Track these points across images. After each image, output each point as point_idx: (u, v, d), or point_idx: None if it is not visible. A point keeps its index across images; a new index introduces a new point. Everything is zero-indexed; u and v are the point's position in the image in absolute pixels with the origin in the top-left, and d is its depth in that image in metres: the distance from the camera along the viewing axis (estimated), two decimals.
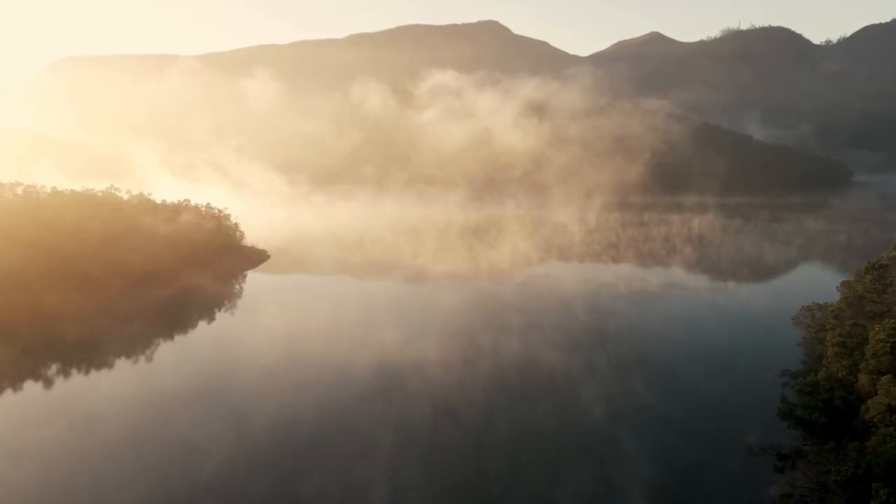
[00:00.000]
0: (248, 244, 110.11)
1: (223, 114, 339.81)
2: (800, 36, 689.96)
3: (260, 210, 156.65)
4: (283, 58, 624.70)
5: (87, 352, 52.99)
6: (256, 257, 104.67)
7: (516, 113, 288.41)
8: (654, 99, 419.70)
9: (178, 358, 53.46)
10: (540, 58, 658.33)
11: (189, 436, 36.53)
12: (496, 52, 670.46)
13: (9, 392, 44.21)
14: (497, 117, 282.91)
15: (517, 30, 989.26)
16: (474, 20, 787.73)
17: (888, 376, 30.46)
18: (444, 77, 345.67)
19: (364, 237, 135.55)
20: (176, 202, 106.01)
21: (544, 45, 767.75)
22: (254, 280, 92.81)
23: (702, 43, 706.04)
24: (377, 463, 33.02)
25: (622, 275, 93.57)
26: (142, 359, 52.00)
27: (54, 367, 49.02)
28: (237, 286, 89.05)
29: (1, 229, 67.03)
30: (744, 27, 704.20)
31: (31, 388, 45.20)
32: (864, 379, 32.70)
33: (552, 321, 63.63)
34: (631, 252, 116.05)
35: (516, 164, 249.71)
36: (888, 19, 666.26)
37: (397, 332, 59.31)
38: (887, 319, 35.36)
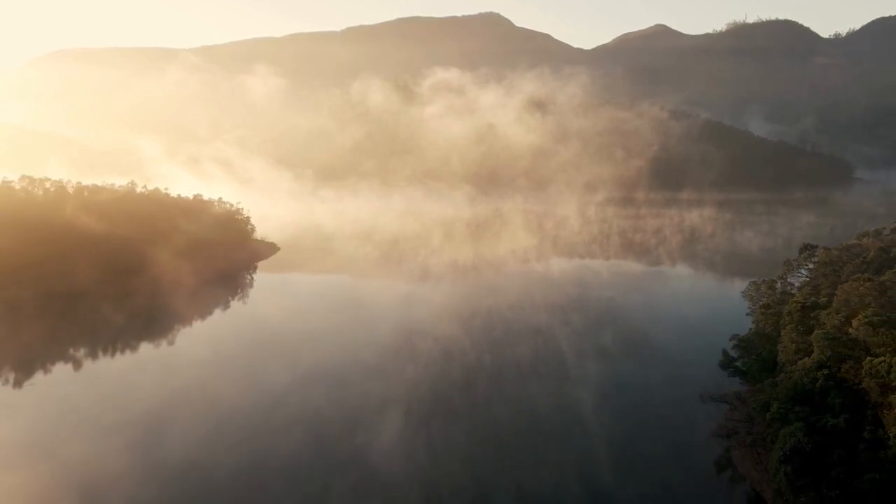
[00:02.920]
0: (258, 237, 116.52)
1: (222, 109, 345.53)
2: (807, 29, 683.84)
3: (264, 205, 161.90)
4: (281, 52, 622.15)
5: (191, 301, 73.40)
6: (268, 250, 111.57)
7: (519, 109, 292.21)
8: (658, 94, 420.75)
9: (235, 317, 67.60)
10: (542, 52, 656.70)
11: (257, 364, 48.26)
12: (498, 46, 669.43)
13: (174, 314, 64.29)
14: (500, 114, 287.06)
15: (519, 22, 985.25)
16: (474, 12, 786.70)
17: (790, 325, 36.44)
18: (446, 75, 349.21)
19: (376, 232, 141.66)
20: (190, 197, 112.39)
21: (547, 37, 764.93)
22: (270, 269, 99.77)
23: (707, 36, 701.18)
24: (402, 381, 43.48)
25: (613, 260, 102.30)
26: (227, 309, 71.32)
27: (191, 301, 71.65)
28: (252, 275, 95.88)
29: (82, 218, 79.99)
30: (750, 20, 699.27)
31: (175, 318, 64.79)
32: (783, 333, 38.65)
33: (554, 298, 71.78)
34: (624, 243, 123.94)
35: (519, 160, 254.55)
36: None
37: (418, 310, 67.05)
38: (805, 287, 41.06)
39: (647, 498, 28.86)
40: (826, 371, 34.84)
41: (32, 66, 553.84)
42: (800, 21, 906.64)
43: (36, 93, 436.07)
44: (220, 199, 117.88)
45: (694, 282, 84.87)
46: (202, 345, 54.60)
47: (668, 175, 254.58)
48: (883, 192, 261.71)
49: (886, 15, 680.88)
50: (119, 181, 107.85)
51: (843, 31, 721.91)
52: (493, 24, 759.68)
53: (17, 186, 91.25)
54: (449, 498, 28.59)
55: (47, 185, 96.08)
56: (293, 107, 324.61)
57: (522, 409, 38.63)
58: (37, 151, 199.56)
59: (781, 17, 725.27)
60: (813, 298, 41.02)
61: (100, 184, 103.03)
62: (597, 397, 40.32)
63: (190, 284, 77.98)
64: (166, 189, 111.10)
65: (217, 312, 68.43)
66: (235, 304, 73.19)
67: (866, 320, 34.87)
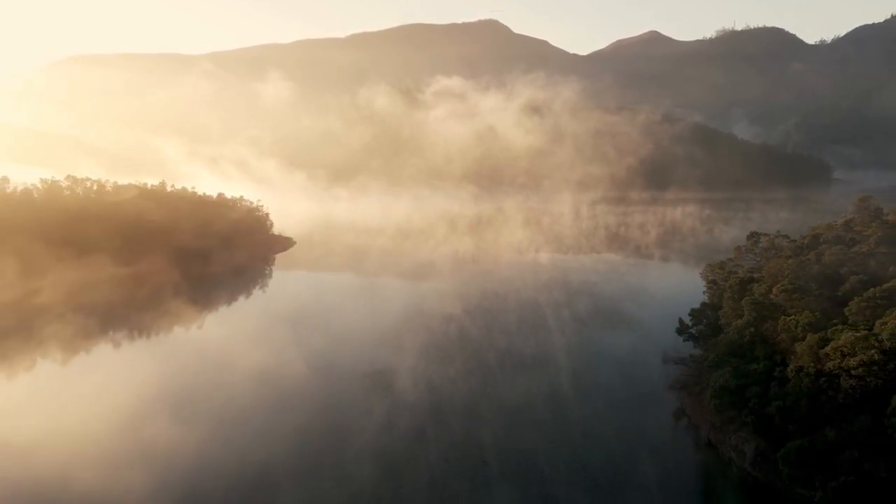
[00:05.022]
0: (276, 232, 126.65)
1: (232, 112, 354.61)
2: (793, 36, 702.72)
3: (280, 203, 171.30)
4: (288, 57, 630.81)
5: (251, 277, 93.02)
6: (286, 243, 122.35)
7: (517, 113, 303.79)
8: (652, 98, 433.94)
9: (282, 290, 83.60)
10: (540, 57, 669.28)
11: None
12: (497, 51, 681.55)
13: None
14: (499, 117, 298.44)
15: (517, 29, 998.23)
16: (474, 19, 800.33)
17: (729, 295, 47.51)
18: (448, 82, 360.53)
19: (388, 226, 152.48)
20: (214, 195, 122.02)
21: (544, 43, 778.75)
22: (288, 258, 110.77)
23: (699, 42, 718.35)
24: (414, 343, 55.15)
25: (599, 250, 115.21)
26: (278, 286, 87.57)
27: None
28: (272, 266, 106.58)
29: (143, 212, 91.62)
30: (738, 27, 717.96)
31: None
32: (724, 302, 49.77)
33: (544, 280, 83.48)
34: (609, 236, 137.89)
35: (519, 161, 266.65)
36: (882, 19, 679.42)
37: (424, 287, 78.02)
38: (744, 267, 52.12)
39: (598, 411, 39.99)
40: (752, 329, 45.50)
41: (46, 72, 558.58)
42: (786, 28, 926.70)
43: (50, 96, 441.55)
44: (242, 196, 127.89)
45: (666, 267, 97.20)
46: (265, 310, 72.10)
47: (656, 175, 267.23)
48: (858, 191, 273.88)
49: (870, 22, 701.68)
50: (145, 181, 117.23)
51: (829, 37, 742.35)
52: (492, 30, 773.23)
53: (64, 185, 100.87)
54: (448, 406, 40.17)
55: (87, 183, 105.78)
56: (301, 110, 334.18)
57: (508, 356, 49.90)
58: (54, 153, 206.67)
59: (769, 24, 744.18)
60: (750, 275, 52.23)
61: (133, 182, 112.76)
62: (571, 352, 51.16)
63: (239, 269, 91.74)
64: (193, 188, 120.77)
65: (268, 289, 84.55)
66: (273, 284, 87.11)
67: (783, 288, 46.03)
